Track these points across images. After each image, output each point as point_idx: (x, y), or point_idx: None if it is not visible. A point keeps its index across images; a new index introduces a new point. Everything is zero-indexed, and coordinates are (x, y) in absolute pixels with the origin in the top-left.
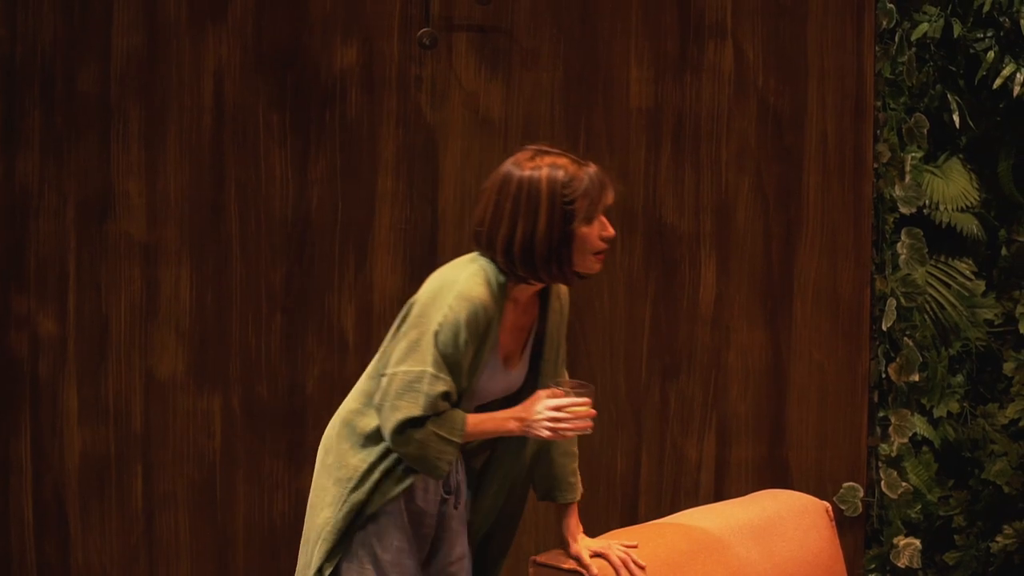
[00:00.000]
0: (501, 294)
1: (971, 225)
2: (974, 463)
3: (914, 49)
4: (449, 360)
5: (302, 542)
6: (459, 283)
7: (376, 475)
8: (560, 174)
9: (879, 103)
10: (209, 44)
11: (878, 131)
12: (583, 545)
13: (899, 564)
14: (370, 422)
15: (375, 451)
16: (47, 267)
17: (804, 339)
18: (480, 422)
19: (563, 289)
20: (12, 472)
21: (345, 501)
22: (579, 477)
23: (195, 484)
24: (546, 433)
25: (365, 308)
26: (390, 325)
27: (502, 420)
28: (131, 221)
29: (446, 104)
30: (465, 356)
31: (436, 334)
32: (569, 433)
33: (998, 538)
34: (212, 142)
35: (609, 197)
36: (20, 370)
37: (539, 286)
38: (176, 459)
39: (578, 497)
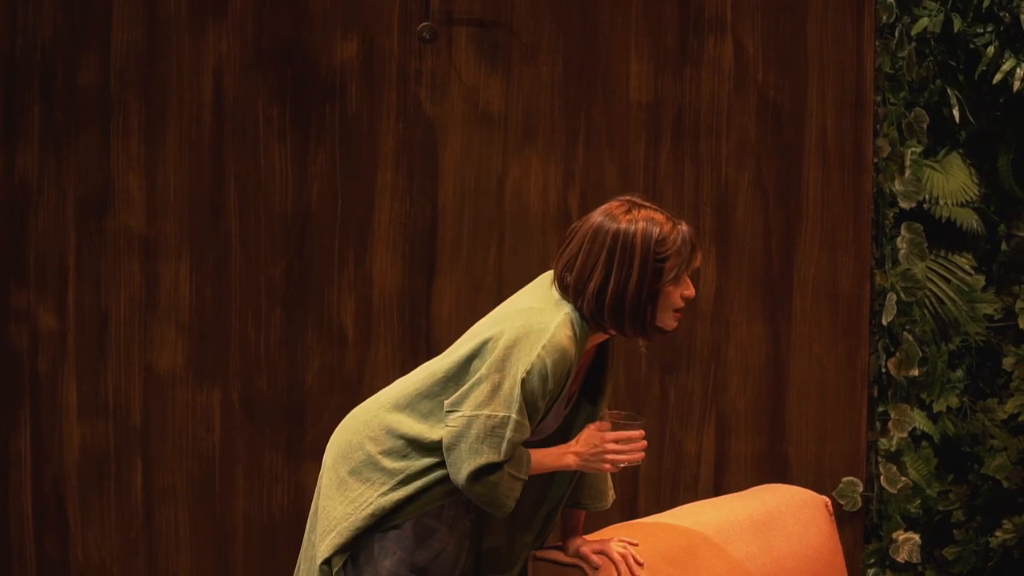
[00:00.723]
0: (582, 343)
1: (971, 220)
2: (974, 458)
3: (914, 44)
4: (531, 407)
5: (307, 530)
6: (549, 331)
7: (412, 488)
8: (656, 231)
9: (879, 98)
10: (209, 39)
11: (878, 126)
12: (585, 540)
13: (898, 559)
14: (416, 431)
15: (418, 463)
16: (47, 262)
17: (804, 334)
18: (542, 458)
19: None
20: (11, 466)
21: (370, 503)
22: (611, 484)
23: (194, 478)
24: (606, 467)
25: (365, 303)
26: (389, 319)
27: (560, 455)
28: (131, 216)
29: (446, 98)
30: (546, 402)
31: (524, 381)
32: (625, 464)
33: (997, 533)
34: (212, 137)
35: (698, 260)
36: (20, 364)
37: (606, 336)
38: (175, 453)
39: (609, 504)
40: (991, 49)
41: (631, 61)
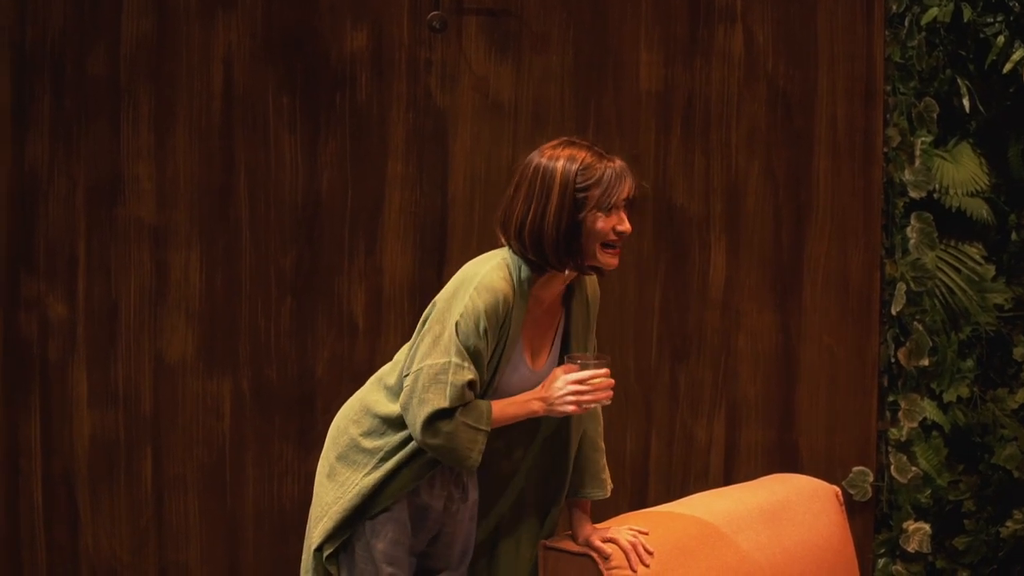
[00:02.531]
0: (523, 288)
1: (981, 210)
2: (984, 448)
3: (924, 33)
4: (471, 350)
5: (308, 520)
6: (480, 275)
7: (391, 463)
8: (578, 162)
9: (889, 87)
10: (219, 28)
11: (888, 115)
12: (594, 528)
13: (908, 549)
14: (389, 409)
15: (394, 439)
16: (57, 251)
17: (814, 323)
18: (505, 407)
19: (590, 284)
20: (21, 455)
21: (356, 484)
22: (608, 473)
23: (204, 467)
24: (570, 408)
25: (375, 292)
26: (400, 309)
27: (525, 402)
28: (141, 205)
29: (456, 88)
30: (487, 347)
31: (457, 324)
32: (591, 404)
33: (1008, 523)
34: (222, 126)
35: (625, 190)
36: (30, 353)
37: (563, 284)
38: (185, 442)
39: (607, 494)
40: (1001, 38)
41: (641, 50)
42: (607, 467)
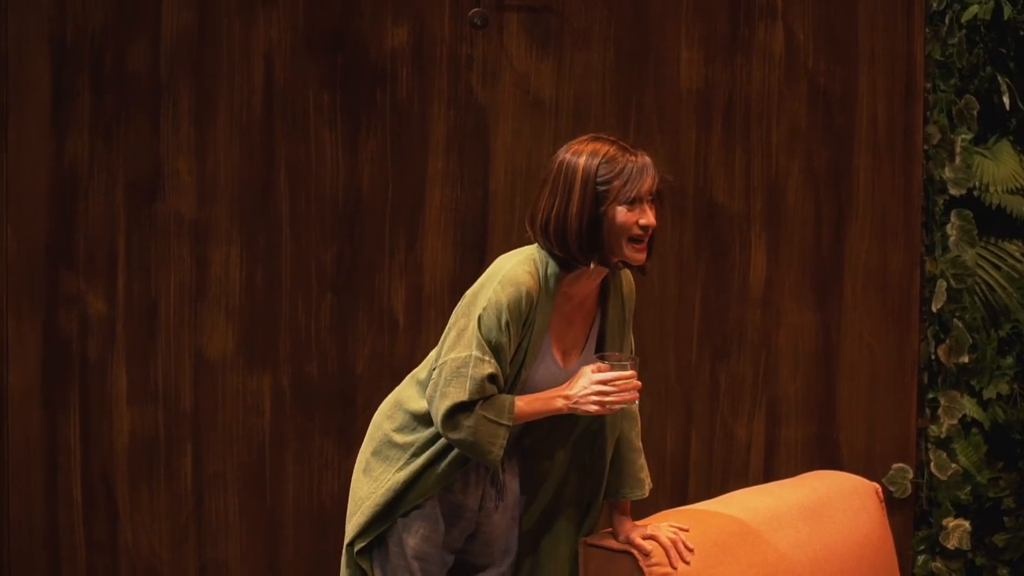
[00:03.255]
0: (550, 283)
1: (1021, 207)
2: None
3: (964, 31)
4: (493, 344)
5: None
6: (505, 269)
7: (422, 459)
8: (601, 156)
9: (929, 85)
10: (259, 24)
11: (928, 113)
12: (635, 525)
13: (948, 546)
14: (420, 405)
15: (424, 434)
16: (97, 247)
17: (854, 320)
18: (528, 403)
19: (626, 283)
20: (61, 452)
21: (388, 480)
22: (647, 473)
23: (244, 464)
24: (594, 408)
25: (415, 289)
26: (440, 306)
27: (549, 399)
28: (181, 200)
29: (497, 84)
30: (510, 341)
31: (480, 318)
32: (617, 406)
33: None
34: (262, 122)
35: (647, 183)
36: (69, 350)
37: (595, 282)
38: (225, 439)
39: (646, 494)
40: None
41: (682, 48)
42: (646, 467)
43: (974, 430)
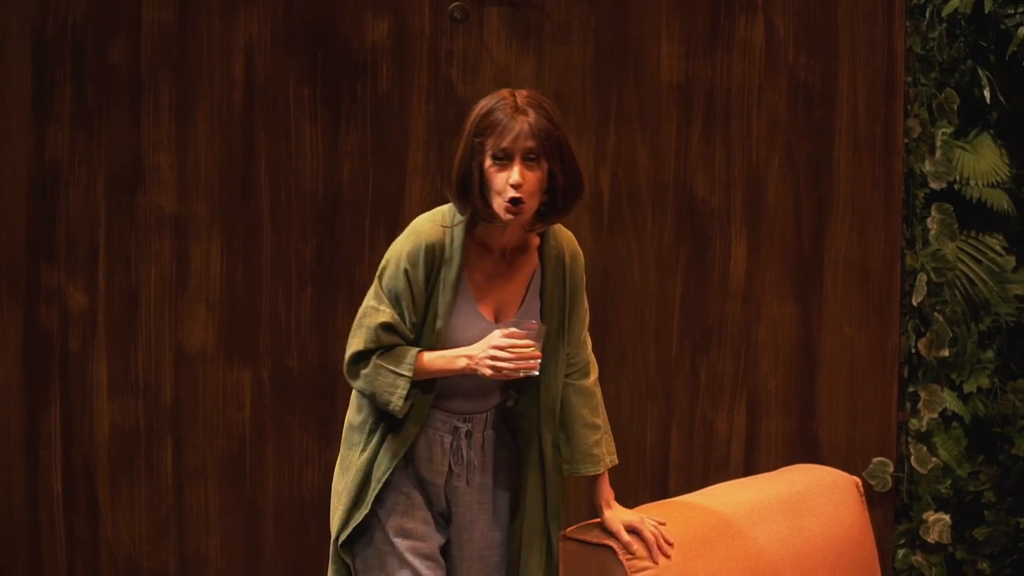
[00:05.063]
0: (458, 232)
1: (1001, 200)
2: (1004, 438)
3: (945, 24)
4: (391, 292)
5: None
6: (414, 221)
7: (379, 434)
8: (483, 110)
9: (909, 78)
10: (240, 18)
11: (908, 107)
12: (618, 515)
13: (929, 539)
14: None
15: (373, 408)
16: (77, 240)
17: (834, 314)
18: (432, 359)
19: (566, 247)
20: (42, 445)
21: (355, 463)
22: (605, 448)
23: (225, 457)
24: (487, 371)
25: None
26: None
27: (453, 357)
28: (161, 194)
29: (477, 78)
30: (410, 288)
31: (383, 269)
32: (510, 373)
33: None
34: (243, 116)
35: (517, 142)
36: (50, 343)
37: (517, 236)
38: (206, 432)
39: (602, 469)
40: (1022, 30)
41: (662, 42)
42: (604, 442)
43: (954, 424)
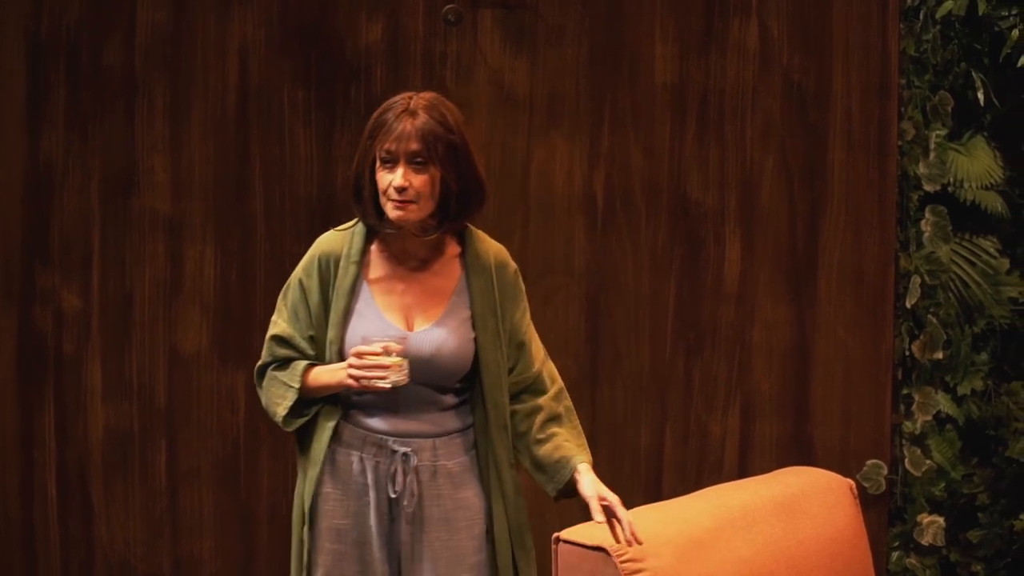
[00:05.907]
0: (355, 241)
1: (995, 203)
2: (998, 441)
3: (939, 27)
4: (291, 306)
5: None
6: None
7: (299, 459)
8: (377, 113)
9: (904, 81)
10: (234, 21)
11: (902, 109)
12: (597, 486)
13: (923, 542)
14: None
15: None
16: (71, 242)
17: (828, 316)
18: (319, 372)
19: (493, 257)
20: (36, 447)
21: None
22: (567, 453)
23: (219, 460)
24: (351, 382)
25: None
26: None
27: (336, 369)
28: (156, 197)
29: (471, 81)
30: (307, 298)
31: (286, 284)
32: (368, 383)
33: (1022, 516)
34: (237, 118)
35: (401, 143)
36: (44, 345)
37: (426, 241)
38: (200, 435)
39: (570, 475)
40: (1016, 32)
41: (656, 43)
42: (563, 447)
43: (948, 426)
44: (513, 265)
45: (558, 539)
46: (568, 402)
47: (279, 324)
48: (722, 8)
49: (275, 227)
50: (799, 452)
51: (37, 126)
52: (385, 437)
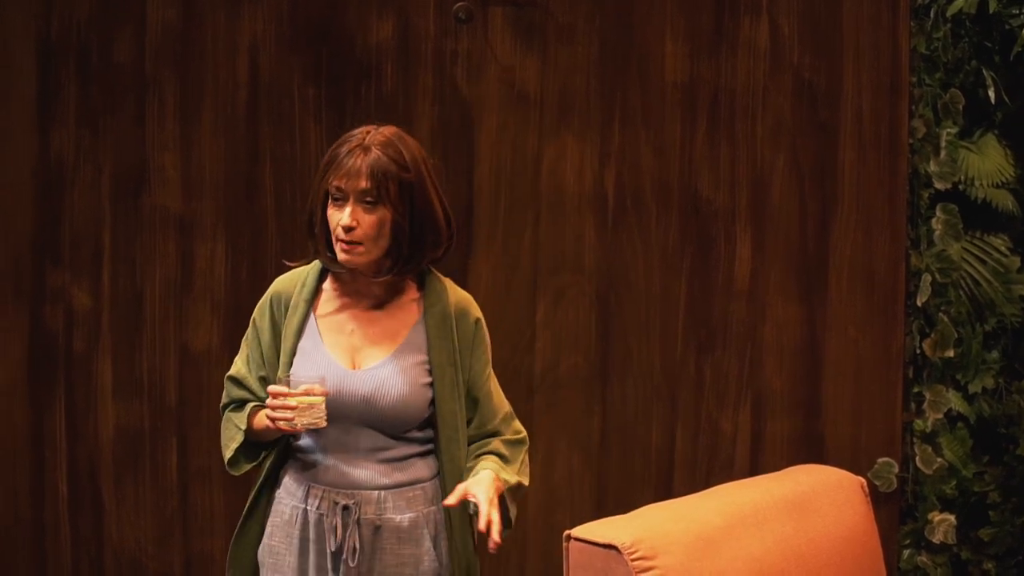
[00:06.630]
0: (308, 281)
1: (1006, 201)
2: (1009, 439)
3: (949, 25)
4: (248, 346)
5: None
6: None
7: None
8: (335, 145)
9: (914, 79)
10: (244, 18)
11: (913, 107)
12: (483, 483)
13: (934, 540)
14: None
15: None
16: (82, 240)
17: (839, 314)
18: (261, 416)
19: (454, 303)
20: (46, 446)
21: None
22: (480, 467)
23: None
24: (266, 422)
25: None
26: None
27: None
28: (166, 194)
29: (482, 79)
30: (259, 337)
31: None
32: (279, 424)
33: None
34: (247, 116)
35: (348, 181)
36: (55, 344)
37: (380, 281)
38: (211, 433)
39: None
40: None
41: (667, 42)
42: (480, 465)
43: (960, 424)
44: (476, 314)
45: (569, 537)
46: (522, 455)
47: (236, 364)
48: (732, 6)
49: (286, 225)
50: (810, 450)
51: (47, 124)
52: (329, 489)
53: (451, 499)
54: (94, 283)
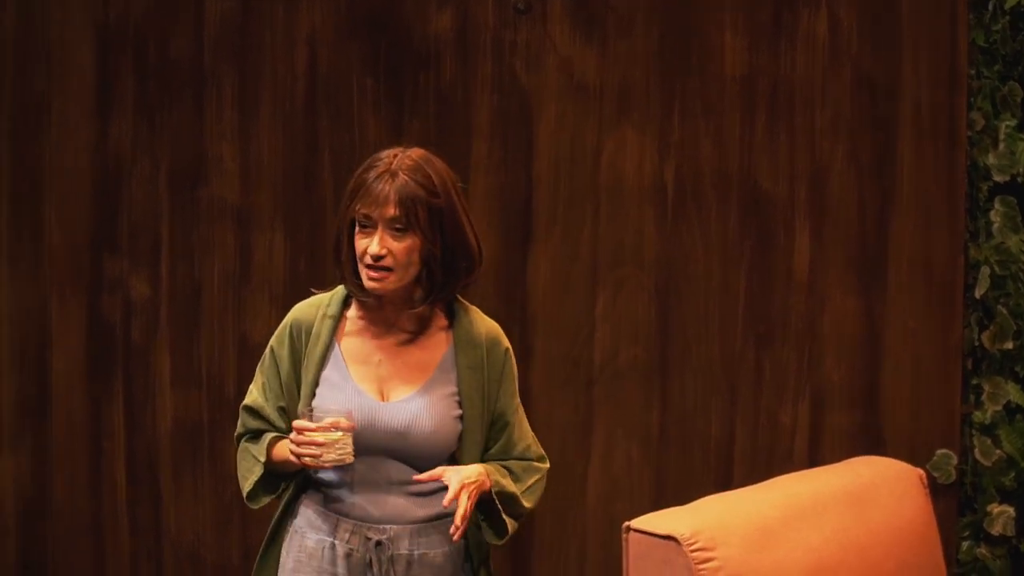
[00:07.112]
0: (334, 304)
1: None
2: None
3: (1008, 17)
4: (267, 376)
5: None
6: None
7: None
8: (358, 173)
9: (972, 71)
10: (302, 9)
11: (972, 99)
12: (462, 473)
13: (993, 532)
14: None
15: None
16: (140, 232)
17: (898, 307)
18: (282, 446)
19: (485, 333)
20: (105, 436)
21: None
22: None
23: None
24: (287, 454)
25: None
26: (484, 292)
27: (286, 445)
28: (224, 186)
29: (541, 69)
30: (280, 367)
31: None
32: (305, 461)
33: None
34: (305, 108)
35: (377, 209)
36: (113, 335)
37: (407, 310)
38: None
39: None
40: None
41: (726, 34)
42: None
43: (1018, 416)
44: (505, 344)
45: (628, 528)
46: (534, 479)
47: (252, 394)
48: None
49: None
50: (869, 442)
51: (106, 116)
52: (359, 523)
53: (445, 499)
54: (153, 274)
